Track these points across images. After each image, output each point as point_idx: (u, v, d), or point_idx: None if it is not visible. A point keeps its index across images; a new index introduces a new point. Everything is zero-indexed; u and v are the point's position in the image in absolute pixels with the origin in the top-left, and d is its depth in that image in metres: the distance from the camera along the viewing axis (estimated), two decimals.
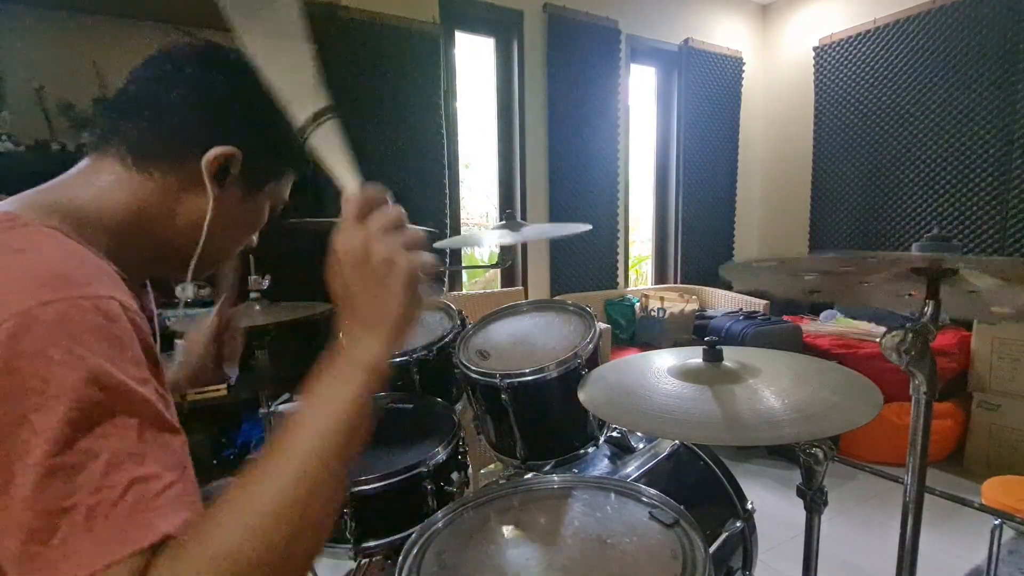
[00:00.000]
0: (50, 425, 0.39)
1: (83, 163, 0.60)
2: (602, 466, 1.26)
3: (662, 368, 0.89)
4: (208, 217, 0.61)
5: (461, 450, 1.18)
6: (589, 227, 1.49)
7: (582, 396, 0.86)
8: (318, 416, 0.48)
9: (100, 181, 0.58)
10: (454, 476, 1.10)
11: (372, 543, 1.02)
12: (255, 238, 0.73)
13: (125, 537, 0.39)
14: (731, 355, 0.87)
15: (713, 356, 0.86)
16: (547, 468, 1.18)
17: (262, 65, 0.56)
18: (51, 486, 0.39)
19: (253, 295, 1.41)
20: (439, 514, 0.85)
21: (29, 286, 0.43)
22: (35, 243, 0.49)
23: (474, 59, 3.34)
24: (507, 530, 0.81)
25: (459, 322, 1.44)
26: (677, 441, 1.19)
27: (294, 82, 0.57)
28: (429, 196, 2.92)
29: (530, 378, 1.11)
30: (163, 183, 0.59)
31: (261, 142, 0.64)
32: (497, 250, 1.69)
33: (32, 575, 0.38)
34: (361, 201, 0.53)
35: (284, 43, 0.58)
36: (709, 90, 3.93)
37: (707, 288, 3.75)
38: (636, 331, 3.39)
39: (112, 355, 0.43)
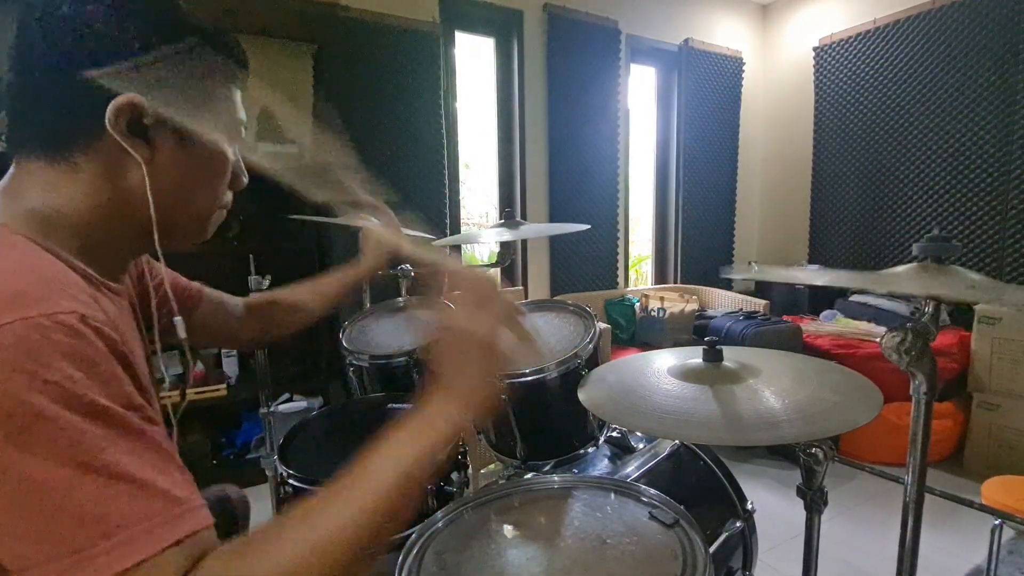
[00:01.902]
0: (32, 447, 0.38)
1: (13, 170, 0.54)
2: (602, 466, 1.26)
3: (662, 368, 0.89)
4: (148, 183, 0.53)
5: (461, 450, 1.18)
6: (588, 227, 1.48)
7: (582, 396, 0.86)
8: (382, 474, 0.49)
9: (43, 184, 0.52)
10: (454, 476, 1.10)
11: None
12: (243, 178, 0.65)
13: (148, 536, 0.39)
14: (731, 355, 0.87)
15: (713, 356, 0.86)
16: (547, 468, 1.18)
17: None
18: (52, 502, 0.38)
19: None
20: (439, 514, 0.85)
21: None
22: None
23: (474, 59, 3.34)
24: (507, 530, 0.81)
25: None
26: (677, 441, 1.19)
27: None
28: (429, 196, 2.92)
29: (530, 378, 1.11)
30: (93, 167, 0.53)
31: (161, 70, 0.53)
32: (497, 249, 1.69)
33: None
34: (484, 285, 0.58)
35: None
36: (709, 90, 3.93)
37: (707, 288, 3.75)
38: (636, 331, 3.39)
39: (78, 374, 0.41)
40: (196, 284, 0.91)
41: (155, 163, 0.54)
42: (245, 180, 0.65)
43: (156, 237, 0.56)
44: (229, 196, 0.65)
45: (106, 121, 0.50)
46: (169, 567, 0.39)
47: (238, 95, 0.60)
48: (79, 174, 0.53)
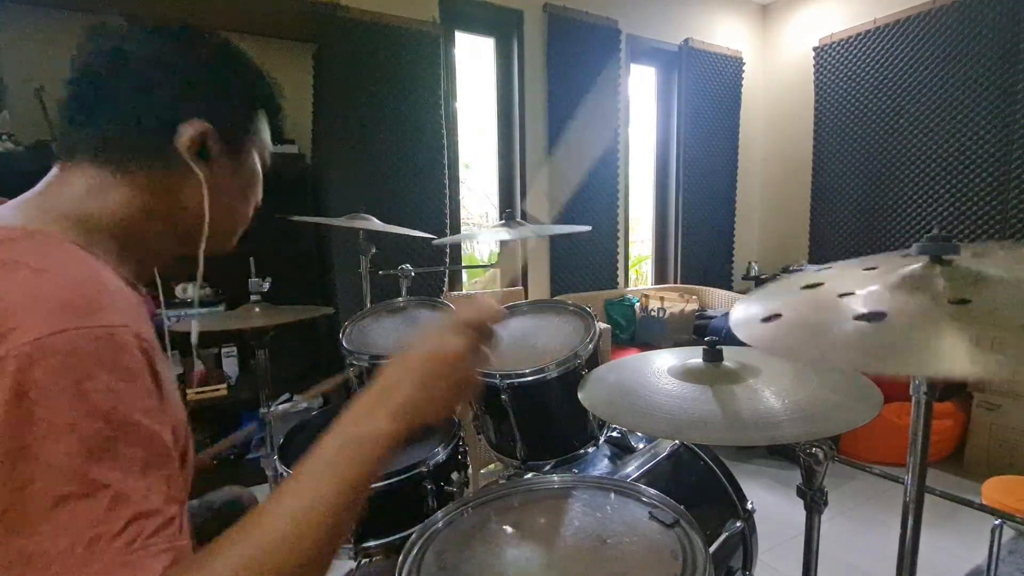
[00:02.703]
0: (56, 457, 0.39)
1: (57, 171, 0.58)
2: (602, 466, 1.26)
3: (662, 368, 0.89)
4: (206, 196, 0.60)
5: (461, 450, 1.18)
6: (588, 228, 1.49)
7: (582, 396, 0.86)
8: (324, 474, 0.48)
9: (89, 188, 0.56)
10: (454, 476, 1.10)
11: (372, 543, 1.02)
12: (260, 196, 0.72)
13: (128, 570, 0.39)
14: (731, 355, 0.87)
15: (713, 356, 0.86)
16: (547, 468, 1.18)
17: None
18: (53, 518, 0.38)
19: (254, 297, 1.41)
20: (439, 514, 0.85)
21: (44, 313, 0.43)
22: (53, 262, 0.48)
23: (474, 59, 3.34)
24: (507, 530, 0.81)
25: None
26: (677, 441, 1.19)
27: None
28: (429, 196, 2.92)
29: (530, 378, 1.11)
30: (150, 178, 0.58)
31: (225, 103, 0.61)
32: (497, 249, 1.70)
33: None
34: (489, 314, 0.59)
35: None
36: (709, 90, 3.93)
37: (707, 288, 3.75)
38: (636, 331, 3.39)
39: (121, 388, 0.43)
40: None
41: (210, 181, 0.60)
42: (261, 197, 0.72)
43: (202, 247, 0.62)
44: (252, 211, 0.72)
45: (178, 143, 0.57)
46: None
47: (265, 128, 0.69)
48: (134, 183, 0.57)
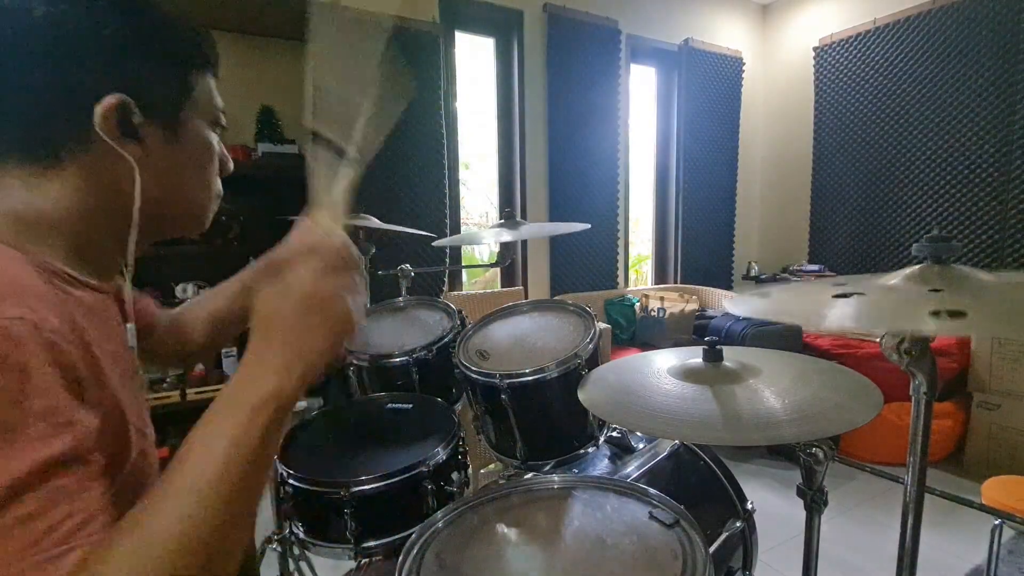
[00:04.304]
0: None
1: None
2: (602, 466, 1.26)
3: (662, 368, 0.89)
4: (137, 181, 0.53)
5: (461, 450, 1.18)
6: (588, 226, 1.49)
7: (582, 396, 0.86)
8: (208, 449, 0.43)
9: (18, 186, 0.51)
10: (454, 476, 1.10)
11: (372, 543, 1.02)
12: (229, 164, 0.64)
13: None
14: (731, 355, 0.87)
15: (713, 356, 0.86)
16: (547, 468, 1.18)
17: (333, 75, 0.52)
18: None
19: None
20: (439, 514, 0.85)
21: None
22: None
23: (474, 59, 3.34)
24: (507, 530, 0.81)
25: (459, 322, 1.44)
26: (677, 441, 1.19)
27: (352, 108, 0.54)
28: (429, 196, 2.92)
29: (530, 378, 1.11)
30: (80, 167, 0.52)
31: (141, 68, 0.53)
32: (497, 249, 1.69)
33: None
34: (331, 236, 0.51)
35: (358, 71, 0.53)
36: (709, 90, 3.93)
37: (707, 288, 3.75)
38: (636, 331, 3.39)
39: (8, 387, 0.39)
40: (152, 309, 0.83)
41: (146, 160, 0.54)
42: (231, 166, 0.65)
43: (133, 235, 0.55)
44: (219, 183, 0.64)
45: (95, 123, 0.50)
46: None
47: (213, 83, 0.60)
48: (65, 175, 0.52)
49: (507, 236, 1.46)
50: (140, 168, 0.53)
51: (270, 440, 0.45)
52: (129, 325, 0.60)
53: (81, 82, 0.50)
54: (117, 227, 0.55)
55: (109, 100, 0.50)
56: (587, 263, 3.55)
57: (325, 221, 0.53)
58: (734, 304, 0.69)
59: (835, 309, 0.58)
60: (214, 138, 0.61)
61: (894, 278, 0.63)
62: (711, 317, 3.23)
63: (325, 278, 0.50)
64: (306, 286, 0.49)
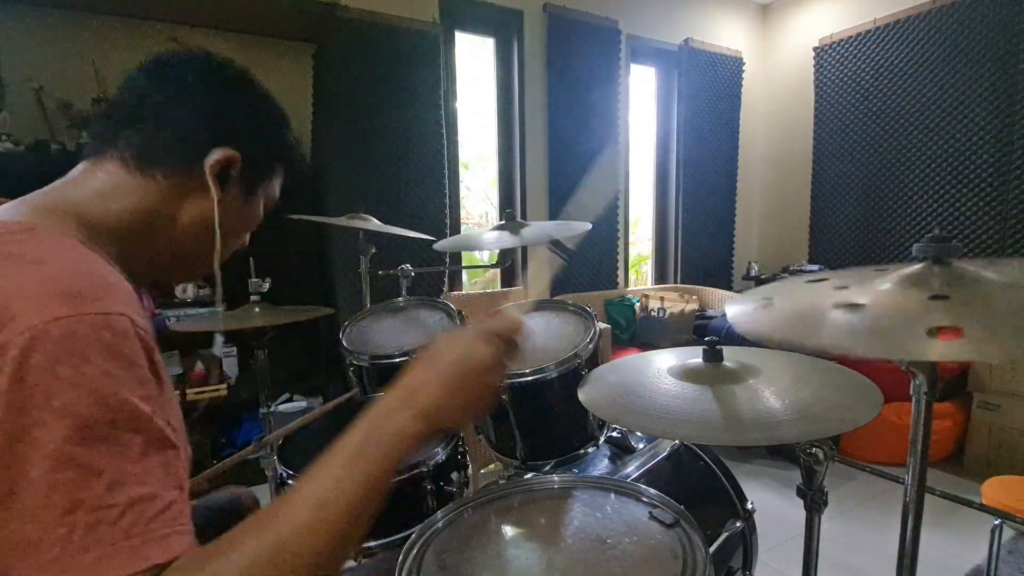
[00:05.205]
0: (53, 441, 0.39)
1: (82, 167, 0.61)
2: (602, 466, 1.26)
3: (662, 368, 0.89)
4: (217, 216, 0.63)
5: (461, 450, 1.18)
6: (588, 226, 1.48)
7: (582, 396, 0.86)
8: (345, 467, 0.50)
9: (105, 186, 0.59)
10: (454, 476, 1.10)
11: (372, 542, 1.02)
12: (247, 238, 0.76)
13: (121, 561, 0.39)
14: (731, 355, 0.87)
15: (713, 356, 0.86)
16: (547, 468, 1.18)
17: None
18: (51, 502, 0.39)
19: (254, 297, 1.41)
20: (439, 514, 0.85)
21: (43, 300, 0.43)
22: (52, 254, 0.49)
23: (474, 59, 3.34)
24: (507, 530, 0.81)
25: (459, 322, 1.44)
26: (677, 441, 1.19)
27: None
28: (429, 196, 2.92)
29: (530, 378, 1.11)
30: (166, 187, 0.61)
31: (258, 145, 0.67)
32: (497, 249, 1.69)
33: None
34: (517, 326, 0.63)
35: None
36: (709, 90, 3.93)
37: (707, 288, 3.75)
38: (636, 331, 3.39)
39: (118, 373, 0.43)
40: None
41: (220, 205, 0.64)
42: (247, 241, 0.76)
43: (217, 261, 0.66)
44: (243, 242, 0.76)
45: (205, 160, 0.61)
46: None
47: (281, 179, 0.75)
48: (148, 188, 0.60)
49: (508, 241, 1.45)
50: (218, 208, 0.63)
51: (392, 472, 0.52)
52: (218, 336, 0.70)
53: (213, 129, 0.63)
54: (159, 250, 0.64)
55: (227, 151, 0.63)
56: (587, 263, 3.55)
57: (513, 309, 0.64)
58: (735, 316, 0.69)
59: (833, 325, 0.57)
60: (260, 215, 0.74)
61: (893, 279, 0.63)
62: (711, 317, 3.23)
63: (488, 349, 0.60)
64: (464, 349, 0.59)
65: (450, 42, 3.02)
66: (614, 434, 1.33)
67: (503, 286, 3.46)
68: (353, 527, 0.48)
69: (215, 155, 0.62)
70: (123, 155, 0.60)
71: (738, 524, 1.06)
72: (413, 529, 0.82)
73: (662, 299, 3.33)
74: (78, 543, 0.38)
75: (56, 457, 0.39)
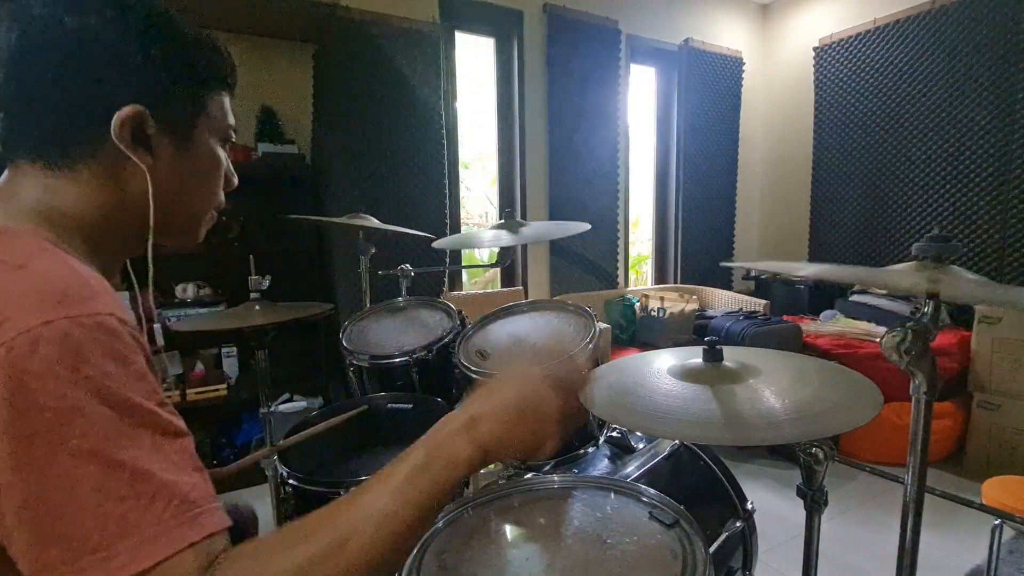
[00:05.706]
0: (70, 441, 0.40)
1: (8, 172, 0.55)
2: (602, 466, 1.26)
3: (662, 368, 0.88)
4: (151, 189, 0.55)
5: None
6: (588, 227, 1.49)
7: (582, 396, 0.86)
8: (403, 484, 0.50)
9: (43, 187, 0.53)
10: None
11: None
12: (234, 179, 0.67)
13: (162, 543, 0.40)
14: (731, 355, 0.87)
15: (713, 356, 0.86)
16: (547, 468, 1.18)
17: None
18: (78, 500, 0.39)
19: (253, 295, 1.41)
20: (439, 514, 0.85)
21: (32, 304, 0.43)
22: (32, 258, 0.48)
23: (474, 59, 3.34)
24: (507, 530, 0.81)
25: (459, 322, 1.44)
26: (677, 441, 1.19)
27: None
28: (429, 196, 2.92)
29: None
30: (93, 172, 0.54)
31: (162, 83, 0.55)
32: (497, 249, 1.70)
33: None
34: (586, 383, 0.66)
35: None
36: (709, 90, 3.93)
37: (707, 288, 3.75)
38: (636, 331, 3.39)
39: (117, 372, 0.44)
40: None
41: (156, 169, 0.56)
42: (235, 181, 0.68)
43: (150, 241, 0.58)
44: (222, 197, 0.67)
45: (111, 131, 0.52)
46: (186, 568, 0.40)
47: (228, 101, 0.63)
48: (79, 178, 0.54)
49: (507, 240, 1.45)
50: (150, 176, 0.55)
51: (446, 496, 0.52)
52: (157, 325, 0.66)
53: (102, 91, 0.52)
54: (124, 233, 0.58)
55: (126, 110, 0.52)
56: (587, 263, 3.55)
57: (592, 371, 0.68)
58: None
59: None
60: (222, 153, 0.64)
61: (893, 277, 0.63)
62: (711, 317, 3.23)
63: (553, 397, 0.61)
64: (533, 391, 0.60)
65: (450, 42, 3.02)
66: (614, 434, 1.33)
67: (503, 286, 3.46)
68: (402, 544, 0.49)
69: (115, 121, 0.52)
70: (30, 154, 0.54)
71: (738, 524, 1.06)
72: None
73: (662, 299, 3.33)
74: (114, 534, 0.39)
75: (76, 454, 0.40)
